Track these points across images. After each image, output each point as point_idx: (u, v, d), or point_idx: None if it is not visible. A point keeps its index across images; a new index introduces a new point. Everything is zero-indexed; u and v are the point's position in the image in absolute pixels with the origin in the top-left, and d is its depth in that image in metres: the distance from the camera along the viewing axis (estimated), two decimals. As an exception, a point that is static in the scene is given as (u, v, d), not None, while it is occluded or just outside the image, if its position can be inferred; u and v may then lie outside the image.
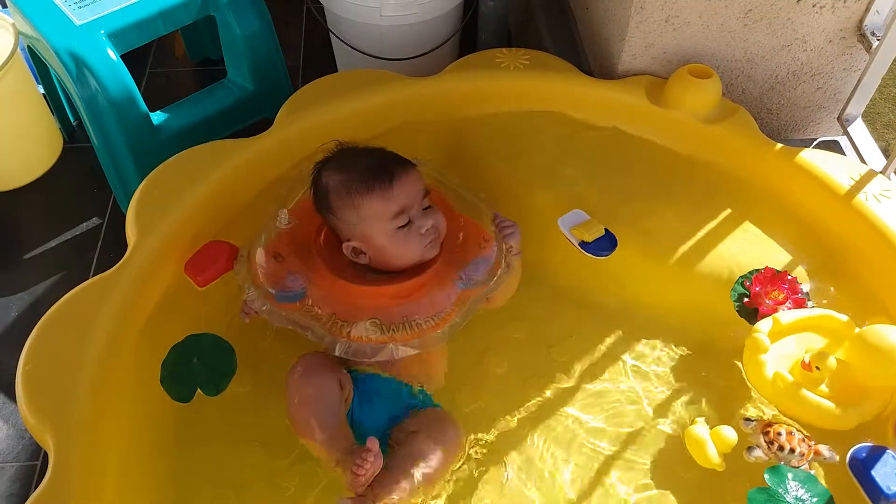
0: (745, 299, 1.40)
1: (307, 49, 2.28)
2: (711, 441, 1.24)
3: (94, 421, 1.17)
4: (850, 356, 1.27)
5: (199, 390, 1.31)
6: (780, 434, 1.22)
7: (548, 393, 1.40)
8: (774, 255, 1.45)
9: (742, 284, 1.41)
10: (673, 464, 1.29)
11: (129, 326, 1.30)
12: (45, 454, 1.28)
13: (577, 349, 1.46)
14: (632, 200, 1.53)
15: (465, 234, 1.35)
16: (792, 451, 1.20)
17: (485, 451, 1.32)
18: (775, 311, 1.36)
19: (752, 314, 1.39)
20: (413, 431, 1.24)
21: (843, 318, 1.32)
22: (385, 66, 1.86)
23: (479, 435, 1.34)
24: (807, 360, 1.27)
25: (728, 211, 1.53)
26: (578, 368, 1.43)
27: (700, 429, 1.26)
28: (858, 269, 1.42)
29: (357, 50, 1.90)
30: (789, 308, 1.37)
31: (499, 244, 1.33)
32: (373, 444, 1.11)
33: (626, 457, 1.32)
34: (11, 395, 1.51)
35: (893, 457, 1.19)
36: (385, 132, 1.60)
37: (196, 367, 1.33)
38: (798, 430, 1.24)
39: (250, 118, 1.83)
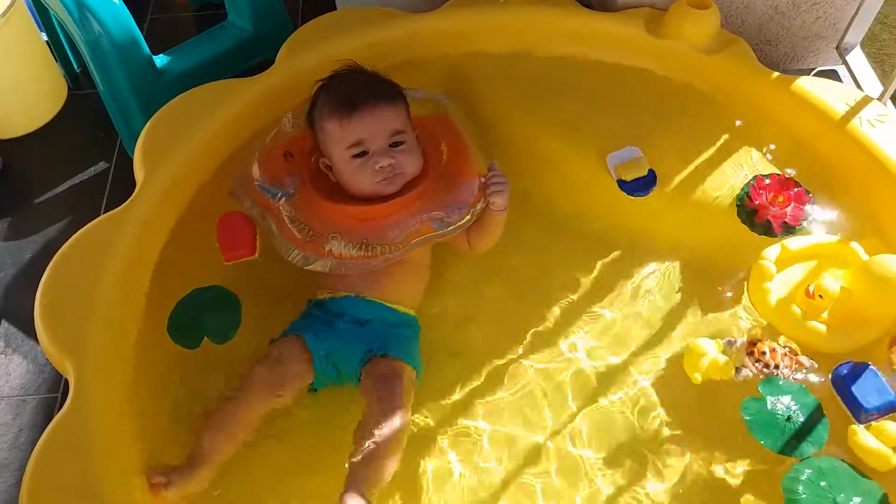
0: (747, 199, 1.43)
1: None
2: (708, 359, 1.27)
3: (110, 348, 1.23)
4: (854, 284, 1.30)
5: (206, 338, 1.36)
6: (764, 353, 1.27)
7: (546, 315, 1.44)
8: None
9: (749, 186, 1.44)
10: (672, 381, 1.34)
11: (142, 259, 1.36)
12: (66, 386, 1.34)
13: (576, 274, 1.50)
14: (630, 132, 1.55)
15: (458, 177, 1.38)
16: (777, 366, 1.26)
17: (476, 371, 1.38)
18: (775, 214, 1.40)
19: (750, 215, 1.43)
20: (368, 402, 1.26)
21: (852, 245, 1.35)
22: (385, 3, 1.85)
23: (470, 358, 1.40)
24: (811, 290, 1.30)
25: (725, 137, 1.54)
26: (578, 292, 1.47)
27: (705, 343, 1.29)
28: (854, 192, 1.44)
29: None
30: (790, 213, 1.40)
31: (484, 197, 1.36)
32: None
33: (625, 379, 1.36)
34: (30, 333, 1.58)
35: (874, 373, 1.23)
36: (385, 69, 1.60)
37: (203, 320, 1.37)
38: (780, 345, 1.28)
39: (251, 59, 1.85)
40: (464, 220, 1.34)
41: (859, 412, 1.21)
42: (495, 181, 1.36)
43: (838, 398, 1.24)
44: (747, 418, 1.21)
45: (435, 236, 1.34)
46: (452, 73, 1.66)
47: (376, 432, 1.19)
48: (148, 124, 1.47)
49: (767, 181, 1.44)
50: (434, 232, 1.33)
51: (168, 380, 1.32)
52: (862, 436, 1.16)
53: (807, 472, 1.13)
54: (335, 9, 2.07)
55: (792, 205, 1.41)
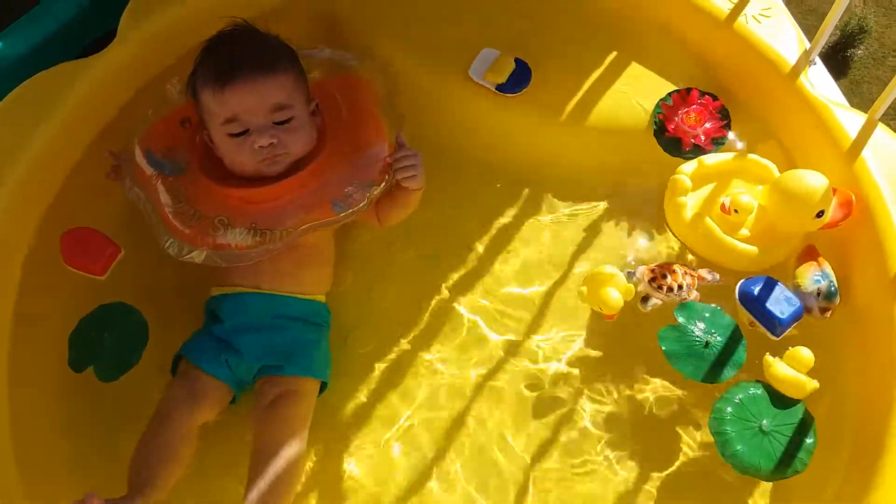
0: (661, 115, 1.40)
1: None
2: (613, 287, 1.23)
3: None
4: (768, 201, 1.27)
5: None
6: (665, 276, 1.23)
7: (460, 269, 1.39)
8: (665, 91, 1.42)
9: (660, 107, 1.40)
10: (590, 317, 1.33)
11: None
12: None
13: (483, 215, 1.44)
14: (515, 39, 1.46)
15: (361, 148, 1.24)
16: (680, 287, 1.23)
17: (393, 344, 1.33)
18: (688, 127, 1.37)
19: (663, 133, 1.39)
20: (260, 429, 1.19)
21: (766, 162, 1.32)
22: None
23: (388, 328, 1.34)
24: (726, 204, 1.27)
25: (614, 54, 1.48)
26: (489, 233, 1.42)
27: (608, 267, 1.24)
28: (746, 93, 1.41)
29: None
30: (706, 128, 1.37)
31: (389, 175, 1.24)
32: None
33: (543, 312, 1.34)
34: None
35: (779, 286, 1.22)
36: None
37: (103, 343, 1.27)
38: (678, 266, 1.26)
39: (94, 32, 1.65)
40: (365, 202, 1.21)
41: (775, 325, 1.20)
42: (404, 163, 1.22)
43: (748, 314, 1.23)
44: (665, 348, 1.18)
45: (334, 221, 1.21)
46: (320, 14, 1.53)
47: (270, 463, 1.13)
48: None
49: (671, 102, 1.40)
50: (333, 216, 1.20)
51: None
52: (777, 367, 1.15)
53: (728, 410, 1.13)
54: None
55: (706, 125, 1.37)
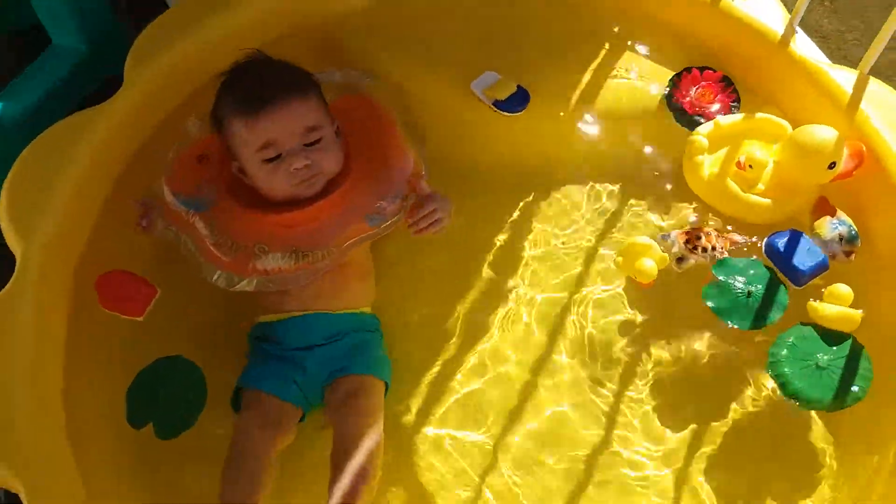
0: (675, 96, 1.46)
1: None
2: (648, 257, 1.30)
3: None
4: (783, 156, 1.34)
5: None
6: (699, 238, 1.31)
7: (489, 271, 1.43)
8: (663, 75, 1.50)
9: (673, 85, 1.47)
10: (628, 287, 1.38)
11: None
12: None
13: (504, 216, 1.48)
14: (515, 60, 1.51)
15: (387, 162, 1.29)
16: (714, 248, 1.30)
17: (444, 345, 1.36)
18: (706, 104, 1.44)
19: (680, 110, 1.46)
20: (337, 425, 1.22)
21: (779, 121, 1.39)
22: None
23: (437, 329, 1.37)
24: (742, 161, 1.34)
25: (607, 46, 1.54)
26: (515, 234, 1.46)
27: (640, 240, 1.31)
28: (741, 67, 1.48)
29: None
30: (721, 98, 1.45)
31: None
32: None
33: (584, 302, 1.38)
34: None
35: (803, 238, 1.30)
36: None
37: (160, 400, 1.27)
38: (712, 228, 1.33)
39: (94, 81, 1.67)
40: (400, 213, 1.26)
41: (797, 276, 1.27)
42: (433, 217, 1.26)
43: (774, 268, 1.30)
44: (712, 305, 1.25)
45: (373, 235, 1.25)
46: (321, 38, 1.56)
47: (352, 454, 1.15)
48: (4, 187, 1.29)
49: (679, 86, 1.47)
50: (371, 230, 1.24)
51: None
52: (823, 308, 1.22)
53: (783, 353, 1.19)
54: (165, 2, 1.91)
55: (719, 97, 1.45)
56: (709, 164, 1.38)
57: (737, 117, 1.42)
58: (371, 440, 1.18)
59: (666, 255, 1.29)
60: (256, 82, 1.21)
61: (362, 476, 1.14)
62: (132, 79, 1.43)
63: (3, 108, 1.55)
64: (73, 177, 1.31)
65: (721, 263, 1.28)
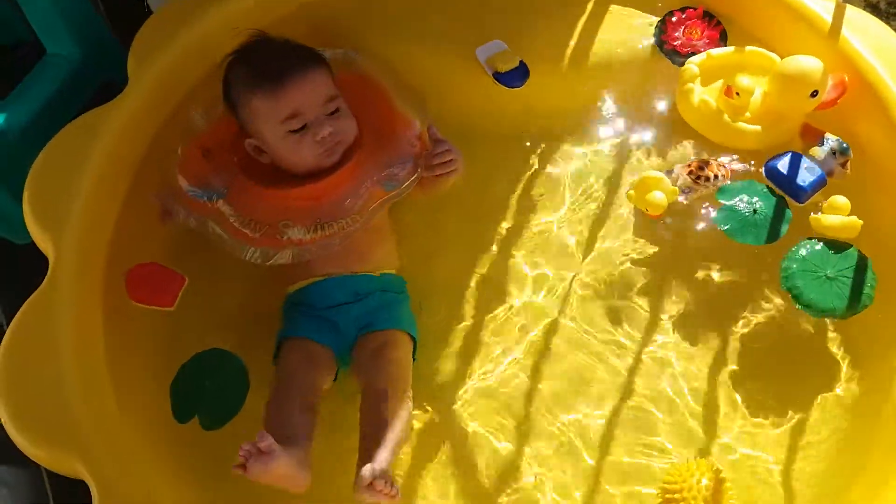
0: (663, 36, 1.53)
1: (107, 2, 2.05)
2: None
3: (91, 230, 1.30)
4: (770, 86, 1.41)
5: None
6: (701, 167, 1.38)
7: (504, 220, 1.49)
8: (646, 29, 1.55)
9: (660, 29, 1.53)
10: (641, 231, 1.45)
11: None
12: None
13: (512, 175, 1.54)
14: (504, 24, 1.56)
15: (393, 131, 1.33)
16: (716, 177, 1.38)
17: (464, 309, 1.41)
18: (696, 41, 1.51)
19: (672, 53, 1.52)
20: (365, 378, 1.26)
21: (768, 53, 1.46)
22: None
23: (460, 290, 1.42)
24: (731, 88, 1.41)
25: (593, 4, 1.59)
26: (520, 190, 1.52)
27: (653, 172, 1.39)
28: (720, 6, 1.54)
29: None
30: (710, 33, 1.52)
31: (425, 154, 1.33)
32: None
33: (604, 250, 1.44)
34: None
35: (800, 157, 1.37)
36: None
37: (204, 391, 1.29)
38: (713, 159, 1.40)
39: (92, 86, 1.68)
40: (415, 174, 1.30)
41: (798, 193, 1.35)
42: (444, 158, 1.30)
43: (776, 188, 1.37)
44: (725, 227, 1.32)
45: (391, 198, 1.30)
46: (318, 21, 1.59)
47: (381, 405, 1.19)
48: (26, 189, 1.32)
49: (675, 19, 1.53)
50: (388, 194, 1.29)
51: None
52: (825, 219, 1.30)
53: (794, 267, 1.27)
54: (146, 9, 1.92)
55: (706, 33, 1.52)
56: (701, 94, 1.44)
57: (728, 49, 1.48)
58: (400, 391, 1.21)
59: (676, 188, 1.36)
60: (272, 57, 1.25)
61: (392, 428, 1.17)
62: (137, 75, 1.46)
63: (4, 119, 1.56)
64: (94, 172, 1.34)
65: (722, 189, 1.36)
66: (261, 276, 1.38)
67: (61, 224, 1.29)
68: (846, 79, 1.37)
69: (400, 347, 1.28)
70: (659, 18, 1.55)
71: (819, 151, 1.36)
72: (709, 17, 1.53)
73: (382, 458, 1.12)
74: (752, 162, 1.41)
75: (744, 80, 1.40)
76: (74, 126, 1.38)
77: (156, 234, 1.40)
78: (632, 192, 1.39)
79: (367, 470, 1.08)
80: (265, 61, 1.25)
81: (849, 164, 1.35)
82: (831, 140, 1.37)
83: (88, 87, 1.69)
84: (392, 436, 1.16)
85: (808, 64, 1.36)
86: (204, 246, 1.32)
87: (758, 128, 1.41)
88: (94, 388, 1.22)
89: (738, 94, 1.40)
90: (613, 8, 1.59)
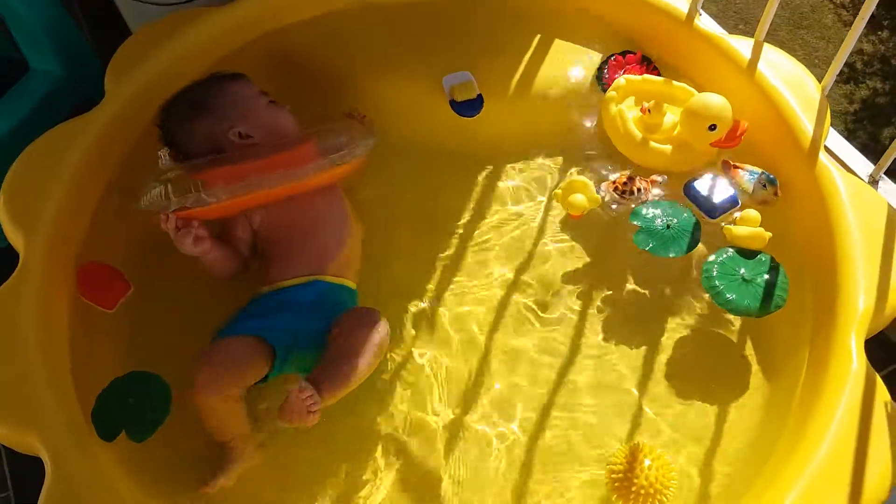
0: (605, 78, 1.67)
1: (90, 21, 2.16)
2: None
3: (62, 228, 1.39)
4: (681, 116, 1.55)
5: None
6: (625, 182, 1.52)
7: (454, 244, 1.60)
8: (588, 57, 1.71)
9: (601, 71, 1.67)
10: (571, 245, 1.57)
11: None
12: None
13: (461, 197, 1.65)
14: (457, 58, 1.70)
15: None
16: (639, 190, 1.51)
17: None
18: None
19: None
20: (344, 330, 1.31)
21: (688, 87, 1.59)
22: (183, 8, 1.86)
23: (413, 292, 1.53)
24: (644, 106, 1.56)
25: (539, 36, 1.74)
26: (470, 215, 1.63)
27: (582, 177, 1.54)
28: (655, 47, 1.70)
29: (150, 3, 1.87)
30: None
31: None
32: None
33: (538, 263, 1.56)
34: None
35: (716, 177, 1.51)
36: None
37: (127, 408, 1.30)
38: (634, 175, 1.53)
39: (71, 102, 1.78)
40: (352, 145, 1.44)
41: (712, 209, 1.48)
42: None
43: (692, 205, 1.50)
44: (648, 247, 1.43)
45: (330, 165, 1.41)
46: (280, 50, 1.73)
47: (352, 333, 1.27)
48: (3, 188, 1.41)
49: (615, 61, 1.67)
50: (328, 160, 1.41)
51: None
52: (736, 229, 1.42)
53: (714, 269, 1.39)
54: (128, 28, 2.04)
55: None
56: (617, 109, 1.58)
57: (648, 77, 1.63)
58: (377, 329, 1.29)
59: (598, 196, 1.50)
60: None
61: (351, 355, 1.25)
62: (114, 90, 1.56)
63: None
64: (68, 175, 1.44)
65: (633, 214, 1.47)
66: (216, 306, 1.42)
67: (34, 221, 1.38)
68: (745, 125, 1.50)
69: (381, 326, 1.32)
70: (601, 58, 1.70)
71: (747, 185, 1.48)
72: (647, 61, 1.67)
73: (326, 382, 1.20)
74: (667, 178, 1.54)
75: (660, 107, 1.54)
76: (53, 133, 1.48)
77: (122, 239, 1.50)
78: (559, 191, 1.51)
79: (303, 381, 1.17)
80: (216, 75, 1.49)
81: (777, 191, 1.47)
82: (753, 173, 1.49)
83: (69, 102, 1.79)
84: (350, 365, 1.24)
85: (708, 100, 1.50)
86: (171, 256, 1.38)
87: (668, 147, 1.54)
88: (57, 375, 1.29)
89: (649, 111, 1.54)
90: (557, 44, 1.73)
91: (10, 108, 1.72)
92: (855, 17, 1.41)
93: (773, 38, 2.00)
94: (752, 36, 1.59)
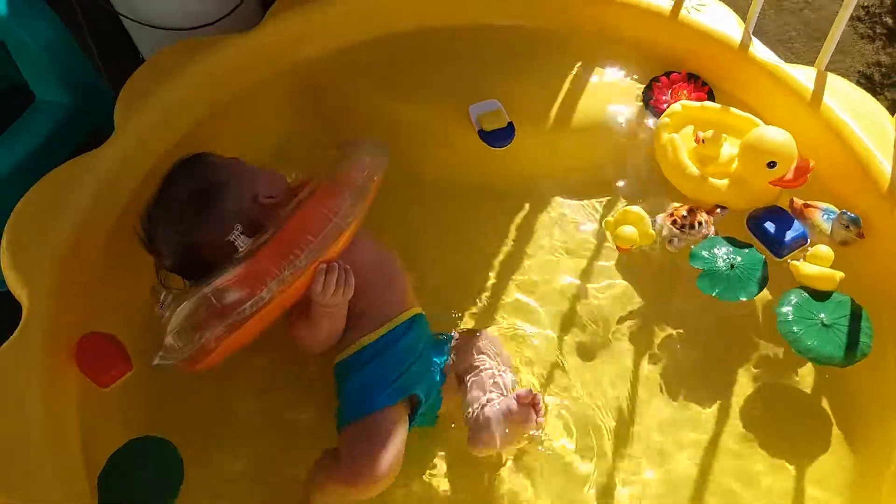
0: (652, 101, 1.55)
1: (101, 49, 2.05)
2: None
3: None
4: (739, 149, 1.41)
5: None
6: (684, 216, 1.38)
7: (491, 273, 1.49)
8: (632, 86, 1.59)
9: (648, 95, 1.56)
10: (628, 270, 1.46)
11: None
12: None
13: (497, 234, 1.53)
14: (492, 87, 1.59)
15: None
16: (700, 223, 1.38)
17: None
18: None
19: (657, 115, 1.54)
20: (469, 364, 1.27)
21: (752, 118, 1.46)
22: (197, 35, 1.75)
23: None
24: (699, 136, 1.43)
25: (579, 64, 1.63)
26: (512, 243, 1.52)
27: (636, 208, 1.41)
28: (707, 75, 1.58)
29: (162, 28, 1.76)
30: (696, 95, 1.54)
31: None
32: None
33: (590, 292, 1.45)
34: None
35: (784, 212, 1.38)
36: (232, 100, 1.56)
37: (135, 482, 1.18)
38: (694, 207, 1.40)
39: (82, 133, 1.67)
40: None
41: (780, 246, 1.35)
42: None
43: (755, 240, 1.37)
44: (715, 293, 1.30)
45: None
46: (300, 80, 1.62)
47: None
48: (4, 236, 1.28)
49: (660, 83, 1.56)
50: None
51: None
52: (805, 267, 1.30)
53: (789, 313, 1.26)
54: (140, 56, 1.93)
55: (693, 95, 1.54)
56: (670, 136, 1.46)
57: (705, 104, 1.50)
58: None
59: (653, 232, 1.38)
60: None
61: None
62: (123, 124, 1.44)
63: (-8, 163, 1.54)
64: (73, 221, 1.32)
65: (692, 257, 1.34)
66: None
67: (38, 272, 1.25)
68: (812, 164, 1.37)
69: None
70: (644, 84, 1.59)
71: (824, 225, 1.36)
72: (694, 78, 1.56)
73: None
74: (728, 210, 1.42)
75: (711, 132, 1.42)
76: (57, 173, 1.36)
77: (133, 292, 1.34)
78: (610, 219, 1.40)
79: (523, 390, 1.16)
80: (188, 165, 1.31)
81: (862, 231, 1.34)
82: (829, 212, 1.36)
83: (78, 133, 1.68)
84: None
85: (769, 134, 1.37)
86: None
87: (723, 183, 1.41)
88: (61, 438, 1.17)
89: (703, 141, 1.42)
90: (598, 71, 1.62)
91: (15, 143, 1.60)
92: (871, 29, 1.30)
93: (789, 49, 1.89)
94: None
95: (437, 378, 1.27)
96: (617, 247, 1.41)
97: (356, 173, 1.25)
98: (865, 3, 2.01)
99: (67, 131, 1.64)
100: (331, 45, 1.63)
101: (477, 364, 1.26)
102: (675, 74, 1.57)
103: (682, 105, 1.49)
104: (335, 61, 1.63)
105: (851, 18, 1.88)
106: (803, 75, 1.47)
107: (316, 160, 1.35)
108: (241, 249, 1.16)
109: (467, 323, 1.43)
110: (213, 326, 1.11)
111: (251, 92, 1.59)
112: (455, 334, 1.34)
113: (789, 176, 1.36)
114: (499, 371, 1.26)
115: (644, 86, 1.59)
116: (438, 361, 1.29)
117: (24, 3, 1.55)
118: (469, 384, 1.24)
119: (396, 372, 1.20)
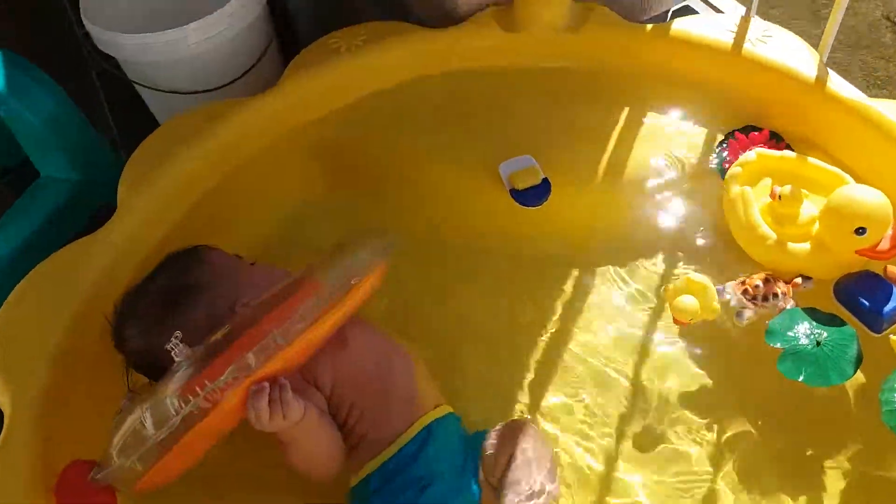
0: (726, 163, 1.35)
1: (116, 117, 2.00)
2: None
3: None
4: (821, 216, 1.20)
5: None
6: (758, 286, 1.17)
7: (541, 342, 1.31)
8: (691, 137, 1.40)
9: (720, 153, 1.37)
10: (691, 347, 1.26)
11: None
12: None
13: (536, 305, 1.35)
14: (531, 139, 1.42)
15: None
16: (776, 295, 1.17)
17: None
18: None
19: None
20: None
21: (839, 172, 1.25)
22: (213, 97, 1.65)
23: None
24: (776, 190, 1.22)
25: (627, 110, 1.45)
26: (545, 325, 1.33)
27: (700, 276, 1.20)
28: (780, 117, 1.38)
29: (175, 92, 1.67)
30: None
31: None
32: None
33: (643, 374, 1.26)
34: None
35: (879, 278, 1.16)
36: (247, 162, 1.43)
37: None
38: (768, 276, 1.19)
39: (92, 207, 1.58)
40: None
41: (877, 319, 1.13)
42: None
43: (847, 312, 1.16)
44: (802, 378, 1.10)
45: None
46: (323, 140, 1.49)
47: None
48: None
49: (730, 146, 1.37)
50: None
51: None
52: None
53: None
54: (156, 122, 1.85)
55: None
56: (741, 190, 1.26)
57: (784, 153, 1.30)
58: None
59: (717, 306, 1.17)
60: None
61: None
62: (125, 206, 1.33)
63: (-3, 241, 1.46)
64: (67, 318, 1.19)
65: (769, 335, 1.14)
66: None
67: (24, 378, 1.12)
68: None
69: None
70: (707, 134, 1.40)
71: None
72: (777, 138, 1.35)
73: None
74: (812, 284, 1.21)
75: (788, 187, 1.21)
76: (51, 262, 1.24)
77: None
78: (670, 285, 1.20)
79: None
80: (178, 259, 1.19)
81: None
82: None
83: (84, 210, 1.59)
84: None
85: (859, 194, 1.15)
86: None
87: (804, 247, 1.20)
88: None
89: (780, 197, 1.21)
90: (654, 119, 1.44)
91: (19, 221, 1.52)
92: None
93: (830, 60, 1.72)
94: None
95: (474, 489, 1.09)
96: (674, 319, 1.21)
97: (331, 281, 1.06)
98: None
99: (72, 209, 1.56)
100: (350, 98, 1.51)
101: (512, 475, 1.08)
102: (755, 133, 1.36)
103: (758, 154, 1.29)
104: (355, 116, 1.50)
105: (892, 23, 1.74)
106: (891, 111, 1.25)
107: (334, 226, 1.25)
108: (176, 360, 1.00)
109: (506, 413, 1.25)
110: (138, 447, 0.95)
111: (266, 153, 1.47)
112: (490, 433, 1.15)
113: (884, 245, 1.14)
114: (538, 484, 1.07)
115: (717, 141, 1.39)
116: (472, 469, 1.11)
117: (25, 77, 1.48)
118: (504, 499, 1.06)
119: (414, 501, 1.03)
